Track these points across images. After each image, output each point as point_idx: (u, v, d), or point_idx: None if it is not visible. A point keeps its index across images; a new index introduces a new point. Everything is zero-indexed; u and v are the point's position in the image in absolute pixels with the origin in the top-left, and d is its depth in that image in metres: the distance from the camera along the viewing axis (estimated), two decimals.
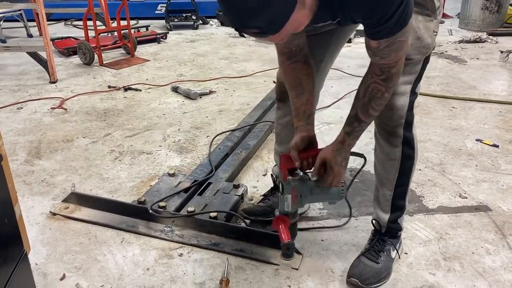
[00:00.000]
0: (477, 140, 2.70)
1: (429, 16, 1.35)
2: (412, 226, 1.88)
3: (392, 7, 1.08)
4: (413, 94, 1.45)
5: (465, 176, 2.29)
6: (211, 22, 6.66)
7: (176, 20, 6.33)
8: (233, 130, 2.73)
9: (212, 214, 1.83)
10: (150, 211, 1.83)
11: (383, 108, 1.34)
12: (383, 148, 1.51)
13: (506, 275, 1.61)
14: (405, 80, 1.40)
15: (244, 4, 0.96)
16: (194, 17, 6.35)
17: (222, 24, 6.47)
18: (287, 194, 1.46)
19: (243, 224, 1.84)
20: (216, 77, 3.99)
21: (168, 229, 1.81)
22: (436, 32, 1.39)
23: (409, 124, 1.46)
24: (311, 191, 1.46)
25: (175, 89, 3.62)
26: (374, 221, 1.67)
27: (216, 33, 6.06)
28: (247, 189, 2.09)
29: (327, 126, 2.88)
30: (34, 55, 3.92)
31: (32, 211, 1.98)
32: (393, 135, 1.46)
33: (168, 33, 5.74)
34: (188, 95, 3.46)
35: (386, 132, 1.47)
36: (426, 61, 1.43)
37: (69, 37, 5.18)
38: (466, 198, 2.10)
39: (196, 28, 6.33)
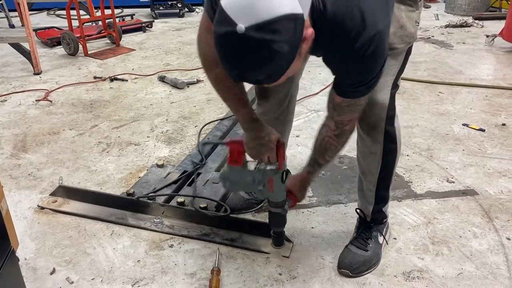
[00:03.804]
0: (464, 124, 2.73)
1: (411, 7, 1.34)
2: (401, 211, 1.90)
3: (374, 73, 1.16)
4: (395, 86, 1.42)
5: (452, 161, 2.32)
6: (197, 9, 6.59)
7: (161, 8, 6.25)
8: (221, 119, 2.72)
9: (202, 205, 1.83)
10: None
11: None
12: (364, 141, 1.49)
13: (493, 258, 1.64)
14: (387, 72, 1.35)
15: (244, 61, 0.96)
16: (180, 5, 6.27)
17: None
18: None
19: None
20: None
21: (158, 220, 1.80)
22: (418, 23, 1.39)
23: (390, 118, 1.44)
24: None
25: (162, 79, 3.58)
26: (358, 210, 1.68)
27: None
28: None
29: (315, 114, 2.88)
30: (17, 46, 3.84)
31: (20, 206, 1.96)
32: (374, 130, 1.43)
33: (153, 21, 5.66)
34: (175, 85, 3.44)
35: (368, 126, 1.45)
36: (408, 52, 1.41)
37: (52, 27, 5.10)
38: (453, 182, 2.12)
39: (182, 16, 6.26)
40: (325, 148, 1.38)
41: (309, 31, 1.00)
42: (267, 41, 0.92)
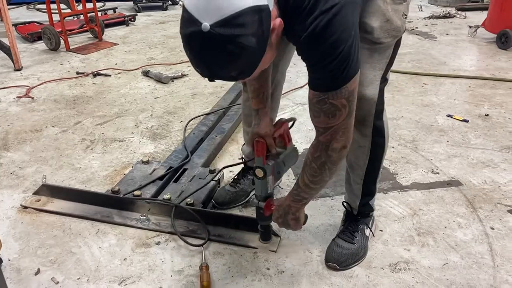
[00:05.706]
0: (448, 115, 2.75)
1: None
2: (387, 203, 1.92)
3: (331, 55, 1.06)
4: (384, 80, 1.40)
5: (437, 152, 2.34)
6: (180, 2, 6.52)
7: (144, 1, 6.18)
8: (207, 114, 2.70)
9: (189, 201, 1.82)
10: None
11: None
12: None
13: (477, 247, 1.66)
14: (374, 67, 1.36)
15: (214, 59, 0.95)
16: None
17: None
18: (269, 176, 1.47)
19: None
20: (188, 59, 3.90)
21: (144, 217, 1.79)
22: (406, 15, 1.37)
23: (379, 112, 1.43)
24: (283, 163, 1.52)
25: (146, 73, 3.54)
26: (345, 204, 1.69)
27: None
28: (223, 173, 2.08)
29: (301, 107, 2.88)
30: None
31: (2, 206, 1.92)
32: (362, 124, 1.42)
33: (136, 15, 5.59)
34: (160, 79, 3.40)
35: (356, 120, 1.38)
36: (397, 45, 1.39)
37: (32, 22, 4.99)
38: (438, 173, 2.14)
39: (166, 9, 6.19)
40: (305, 163, 1.29)
41: (277, 21, 1.00)
42: (233, 36, 0.91)
